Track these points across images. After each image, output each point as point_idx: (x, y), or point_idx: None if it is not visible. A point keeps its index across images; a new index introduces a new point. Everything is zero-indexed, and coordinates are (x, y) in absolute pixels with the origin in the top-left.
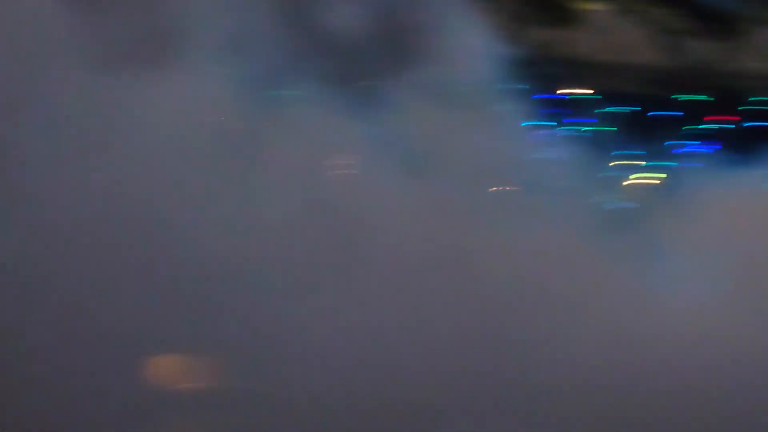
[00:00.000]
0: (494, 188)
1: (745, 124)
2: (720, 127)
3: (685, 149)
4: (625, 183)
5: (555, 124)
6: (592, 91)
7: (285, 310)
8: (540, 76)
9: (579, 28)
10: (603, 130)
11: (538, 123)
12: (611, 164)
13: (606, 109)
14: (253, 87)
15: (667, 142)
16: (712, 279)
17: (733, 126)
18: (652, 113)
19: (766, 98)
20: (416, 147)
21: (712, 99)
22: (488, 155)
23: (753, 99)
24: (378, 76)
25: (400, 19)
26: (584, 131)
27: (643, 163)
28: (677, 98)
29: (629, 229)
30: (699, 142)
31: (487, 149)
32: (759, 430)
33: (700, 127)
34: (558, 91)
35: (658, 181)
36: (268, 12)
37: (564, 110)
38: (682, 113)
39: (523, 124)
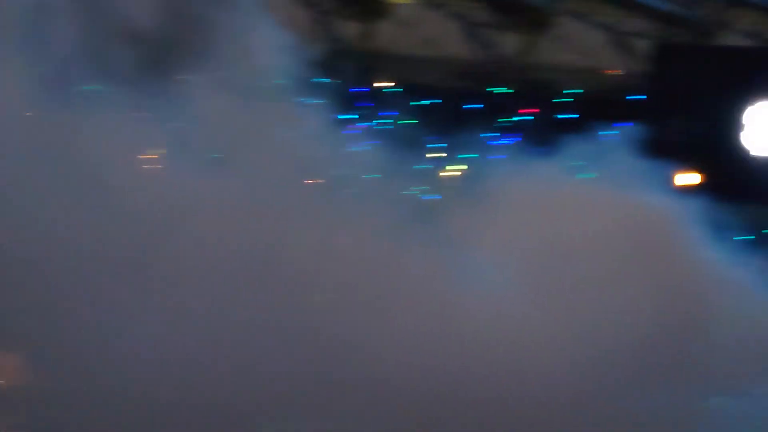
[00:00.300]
0: (304, 183)
1: (549, 116)
2: (525, 119)
3: (490, 141)
4: (432, 175)
5: (364, 117)
6: (400, 84)
7: (85, 308)
8: (349, 69)
9: (386, 22)
10: (411, 122)
11: (348, 116)
12: (419, 157)
13: (413, 102)
14: (53, 83)
15: (473, 134)
16: (513, 270)
17: (537, 118)
18: (459, 105)
19: (570, 90)
20: (223, 143)
21: (517, 91)
22: (298, 149)
23: (557, 91)
24: (182, 71)
25: (203, 13)
26: (393, 124)
27: (450, 155)
28: (483, 90)
29: (437, 221)
30: (504, 134)
31: (296, 144)
32: (557, 422)
33: (506, 118)
34: (367, 85)
35: (463, 173)
36: (66, 7)
37: (373, 103)
38: (488, 105)
39: (333, 118)
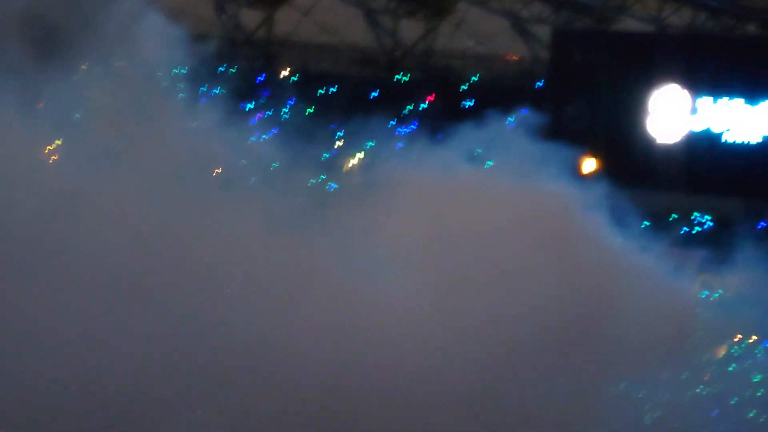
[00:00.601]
0: (203, 173)
1: (449, 103)
2: (425, 106)
3: (390, 128)
4: (333, 163)
5: (264, 106)
6: (300, 73)
7: None
8: (249, 58)
9: (286, 10)
10: (311, 111)
11: (248, 105)
12: (319, 145)
13: (313, 90)
14: None
15: (373, 122)
16: (415, 260)
17: (437, 105)
18: (359, 93)
19: (470, 77)
20: (119, 135)
21: (417, 78)
22: (197, 139)
23: (457, 78)
24: (76, 62)
25: (96, 4)
26: (293, 113)
27: (350, 143)
28: (383, 78)
29: (337, 210)
30: (404, 121)
31: (195, 134)
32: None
33: (406, 106)
34: (267, 73)
35: (364, 161)
36: None
37: (273, 92)
38: (388, 93)
39: (232, 107)
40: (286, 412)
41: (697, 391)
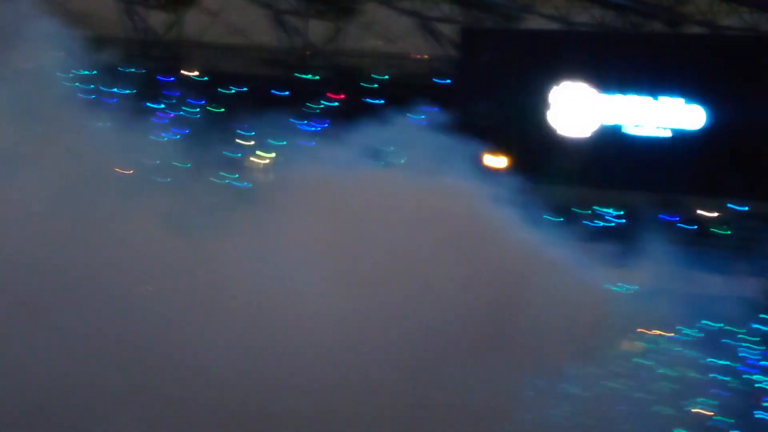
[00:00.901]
0: (109, 173)
1: (357, 102)
2: (332, 105)
3: (299, 127)
4: (241, 163)
5: (172, 106)
6: (207, 73)
7: None
8: (156, 58)
9: (193, 10)
10: (219, 110)
11: (156, 105)
12: (228, 144)
13: (221, 90)
14: None
15: (281, 121)
16: (326, 256)
17: (345, 104)
18: (266, 93)
19: (377, 76)
20: (21, 137)
21: (325, 78)
22: (104, 140)
23: (365, 77)
24: None
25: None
26: (201, 112)
27: (259, 142)
28: (291, 77)
29: (246, 209)
30: (312, 120)
31: (102, 134)
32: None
33: (314, 105)
34: (174, 74)
35: (272, 160)
36: None
37: (181, 92)
38: (296, 92)
39: (140, 107)
40: (198, 410)
41: (609, 384)
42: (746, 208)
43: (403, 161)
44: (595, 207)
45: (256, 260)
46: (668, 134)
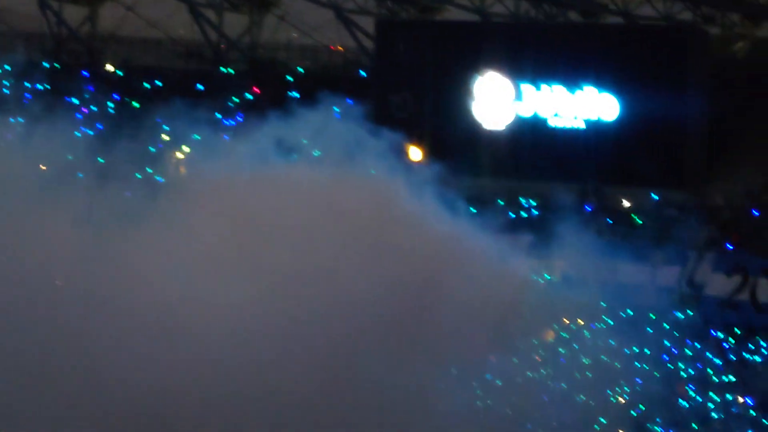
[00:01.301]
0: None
1: (274, 95)
2: (250, 98)
3: (216, 121)
4: (157, 157)
5: (89, 101)
6: (125, 67)
7: None
8: (74, 53)
9: (110, 4)
10: (136, 105)
11: (73, 100)
12: (143, 139)
13: (139, 84)
14: None
15: (199, 115)
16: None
17: (263, 97)
18: (184, 87)
19: (295, 68)
20: None
21: (242, 71)
22: (19, 136)
23: (283, 70)
24: None
25: None
26: (117, 107)
27: (176, 136)
28: (209, 71)
29: (158, 204)
30: (230, 114)
31: (17, 130)
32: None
33: (232, 98)
34: (92, 68)
35: (186, 155)
36: None
37: (97, 87)
38: (213, 86)
39: (57, 102)
40: (97, 411)
41: (529, 374)
42: (658, 198)
43: (317, 155)
44: (512, 198)
45: (163, 257)
46: (583, 125)
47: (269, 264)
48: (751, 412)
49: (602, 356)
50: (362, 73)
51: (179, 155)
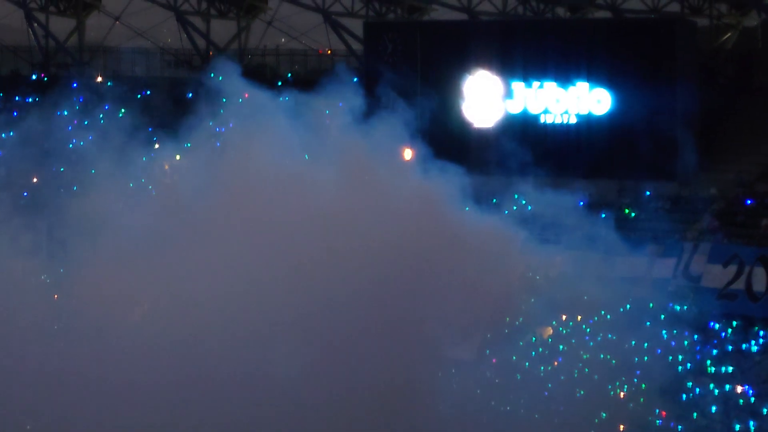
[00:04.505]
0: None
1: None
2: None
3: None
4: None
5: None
6: (113, 77)
7: None
8: (63, 65)
9: (97, 15)
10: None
11: (62, 111)
12: (137, 148)
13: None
14: None
15: (189, 122)
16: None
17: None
18: (173, 94)
19: (281, 74)
20: None
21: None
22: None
23: (273, 74)
24: None
25: None
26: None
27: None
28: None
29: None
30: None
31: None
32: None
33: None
34: (81, 79)
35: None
36: None
37: (88, 98)
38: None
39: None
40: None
41: (529, 369)
42: (648, 192)
43: (306, 156)
44: (506, 195)
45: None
46: (575, 120)
47: (259, 263)
48: (751, 400)
49: (602, 351)
50: (351, 75)
51: (169, 163)
